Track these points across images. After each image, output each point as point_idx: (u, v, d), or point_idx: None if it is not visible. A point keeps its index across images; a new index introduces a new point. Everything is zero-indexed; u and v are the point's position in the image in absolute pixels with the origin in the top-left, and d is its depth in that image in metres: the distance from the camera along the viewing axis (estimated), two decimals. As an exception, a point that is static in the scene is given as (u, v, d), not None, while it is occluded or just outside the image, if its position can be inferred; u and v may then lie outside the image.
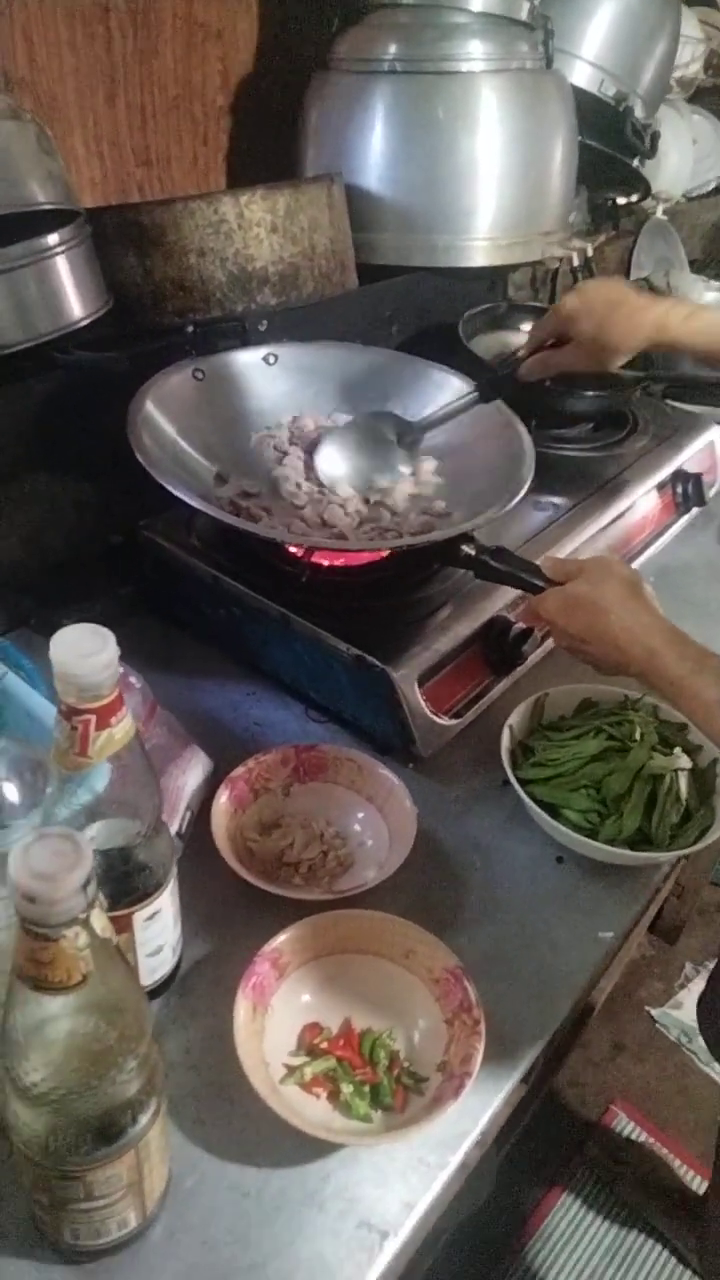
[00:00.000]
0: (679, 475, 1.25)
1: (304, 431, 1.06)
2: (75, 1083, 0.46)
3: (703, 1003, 1.24)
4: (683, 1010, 1.77)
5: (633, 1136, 1.57)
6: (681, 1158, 1.54)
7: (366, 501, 1.00)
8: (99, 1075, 0.46)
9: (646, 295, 0.98)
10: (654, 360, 1.45)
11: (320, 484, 1.01)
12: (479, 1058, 0.63)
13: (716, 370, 1.17)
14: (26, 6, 1.05)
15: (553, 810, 0.82)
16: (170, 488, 0.82)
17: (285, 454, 1.05)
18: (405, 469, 1.03)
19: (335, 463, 1.02)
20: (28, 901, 0.40)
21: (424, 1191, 0.62)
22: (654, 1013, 1.77)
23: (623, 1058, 1.70)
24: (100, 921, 0.44)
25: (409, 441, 1.03)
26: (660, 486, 1.23)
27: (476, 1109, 0.65)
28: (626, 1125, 1.59)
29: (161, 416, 0.94)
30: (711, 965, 1.41)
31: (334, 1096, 0.64)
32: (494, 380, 1.05)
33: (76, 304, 0.94)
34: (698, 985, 1.79)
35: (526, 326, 1.43)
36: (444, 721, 0.89)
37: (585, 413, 1.28)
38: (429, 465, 1.05)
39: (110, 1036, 0.46)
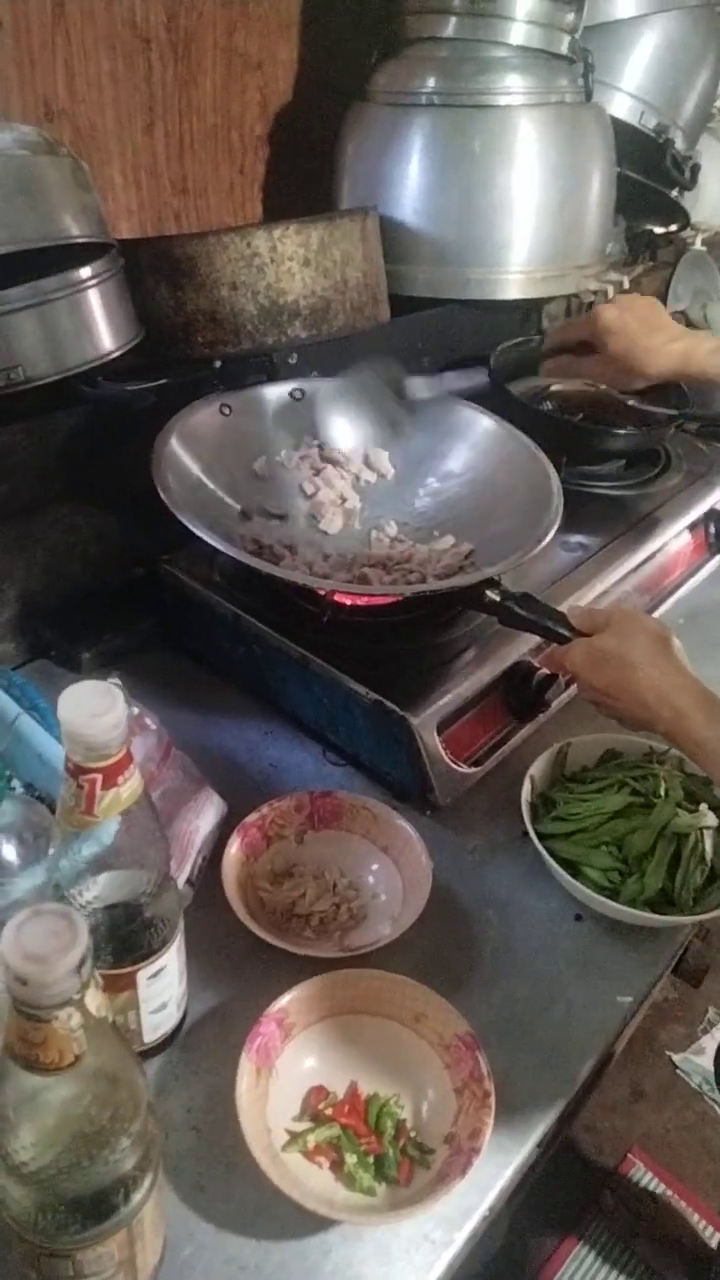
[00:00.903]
0: (712, 515, 1.23)
1: (299, 457, 1.07)
2: (66, 1162, 0.44)
3: (722, 1054, 1.21)
4: (705, 1056, 1.74)
5: (650, 1187, 1.53)
6: (700, 1212, 1.50)
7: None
8: (91, 1154, 0.45)
9: (680, 325, 0.97)
10: (689, 398, 1.43)
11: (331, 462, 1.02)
12: (488, 1133, 0.61)
13: None
14: (69, 39, 1.05)
15: (573, 867, 0.80)
16: (192, 527, 0.81)
17: (320, 470, 1.05)
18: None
19: (344, 434, 1.03)
20: (19, 983, 0.39)
21: (428, 1271, 0.59)
22: (675, 1058, 1.73)
23: (641, 1104, 1.66)
24: (95, 1000, 0.42)
25: (403, 419, 1.05)
26: (693, 526, 1.20)
27: (485, 1182, 0.63)
28: (644, 1175, 1.55)
29: (185, 453, 0.93)
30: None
31: (337, 1166, 0.62)
32: (505, 365, 1.06)
33: (107, 336, 0.94)
34: (721, 1031, 1.75)
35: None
36: (463, 769, 0.87)
37: (617, 450, 1.26)
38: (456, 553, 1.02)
39: (103, 1116, 0.45)
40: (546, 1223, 1.47)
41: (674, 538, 1.16)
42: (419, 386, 1.06)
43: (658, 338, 0.93)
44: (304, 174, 1.36)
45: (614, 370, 0.95)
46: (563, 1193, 1.50)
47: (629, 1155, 1.58)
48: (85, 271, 0.90)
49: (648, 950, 0.79)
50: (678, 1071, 1.71)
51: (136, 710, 0.80)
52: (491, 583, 0.83)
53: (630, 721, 0.75)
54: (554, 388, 1.33)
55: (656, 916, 0.77)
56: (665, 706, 0.70)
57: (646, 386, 0.96)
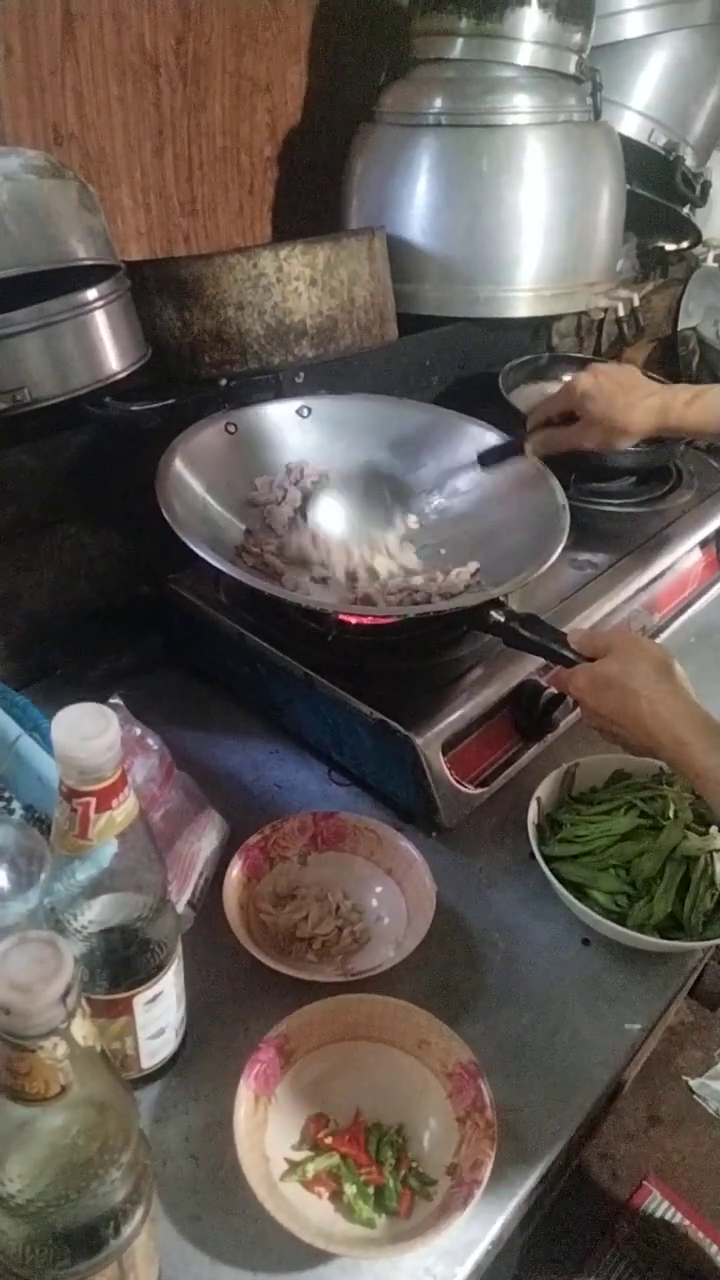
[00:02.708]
0: (724, 532, 1.22)
1: (302, 475, 1.06)
2: (54, 1194, 0.44)
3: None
4: (722, 1081, 1.70)
5: (667, 1216, 1.50)
6: (717, 1242, 1.47)
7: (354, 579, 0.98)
8: (79, 1187, 0.44)
9: (656, 383, 1.01)
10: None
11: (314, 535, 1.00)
12: (489, 1165, 0.60)
13: None
14: (78, 65, 1.06)
15: (580, 890, 0.79)
16: (195, 548, 0.81)
17: (285, 492, 1.05)
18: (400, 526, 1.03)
19: (332, 519, 1.01)
20: (3, 1012, 0.39)
21: (429, 1306, 0.58)
22: (692, 1083, 1.70)
23: (657, 1130, 1.63)
24: (83, 1029, 0.42)
25: (404, 501, 1.03)
26: (704, 544, 1.19)
27: (488, 1216, 0.62)
28: (660, 1204, 1.52)
29: (190, 474, 0.93)
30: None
31: (337, 1196, 0.61)
32: (496, 449, 1.05)
33: (114, 357, 0.94)
34: (739, 1056, 1.72)
35: (569, 377, 1.40)
36: (469, 790, 0.86)
37: (627, 467, 1.25)
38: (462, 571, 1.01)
39: (92, 1148, 0.44)
40: (560, 1252, 1.44)
41: (684, 555, 1.15)
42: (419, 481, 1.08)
43: (635, 395, 0.96)
44: (313, 194, 1.36)
45: (598, 433, 0.97)
46: (577, 1221, 1.47)
47: (645, 1183, 1.55)
48: (92, 293, 0.90)
49: (657, 976, 0.77)
50: (694, 1097, 1.68)
51: (139, 731, 0.79)
52: (496, 603, 0.83)
53: (634, 748, 0.74)
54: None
55: (665, 942, 0.75)
56: (667, 734, 0.69)
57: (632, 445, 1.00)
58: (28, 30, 1.00)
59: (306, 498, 1.03)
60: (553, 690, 0.90)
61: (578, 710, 0.94)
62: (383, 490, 1.06)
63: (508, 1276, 1.23)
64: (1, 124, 1.02)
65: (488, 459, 1.05)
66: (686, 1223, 1.49)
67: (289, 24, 1.27)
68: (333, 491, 1.04)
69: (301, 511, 1.02)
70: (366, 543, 1.00)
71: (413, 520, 1.06)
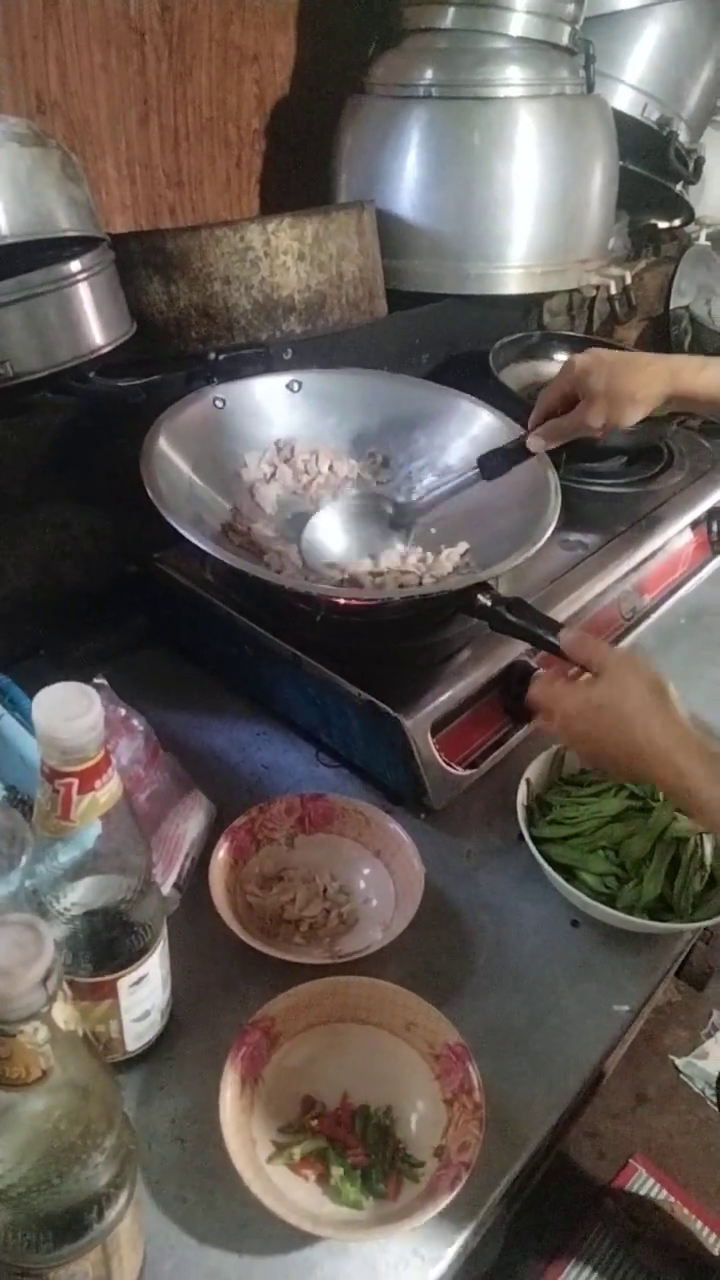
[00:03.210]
0: (715, 513, 1.21)
1: (293, 453, 1.04)
2: (36, 1179, 0.43)
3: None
4: (709, 1060, 1.71)
5: (652, 1194, 1.51)
6: (703, 1219, 1.48)
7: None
8: (61, 1172, 0.44)
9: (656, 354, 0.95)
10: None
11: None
12: (477, 1148, 0.59)
13: None
14: (60, 32, 1.04)
15: (569, 872, 0.78)
16: (180, 528, 0.79)
17: (274, 469, 1.03)
18: (400, 548, 0.99)
19: (331, 535, 0.98)
20: None
21: (416, 1288, 0.58)
22: (678, 1062, 1.71)
23: (644, 1109, 1.64)
24: (64, 1013, 0.41)
25: (405, 523, 0.99)
26: (695, 524, 1.19)
27: (475, 1197, 0.61)
28: (646, 1182, 1.53)
29: (176, 452, 0.91)
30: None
31: (324, 1179, 0.61)
32: (499, 453, 0.96)
33: (98, 331, 0.92)
34: (725, 1035, 1.73)
35: (560, 356, 1.39)
36: (458, 772, 0.85)
37: (618, 447, 1.24)
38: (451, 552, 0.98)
39: (74, 1132, 0.43)
40: (547, 1229, 1.45)
41: (676, 536, 1.15)
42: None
43: (638, 362, 0.90)
44: (302, 167, 1.34)
45: (603, 407, 0.90)
46: (563, 1199, 1.48)
47: (631, 1161, 1.56)
48: (75, 265, 0.88)
49: (645, 957, 0.77)
50: (681, 1076, 1.69)
51: (123, 712, 0.78)
52: (484, 586, 0.82)
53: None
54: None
55: (654, 923, 0.75)
56: (664, 764, 0.66)
57: (643, 418, 0.92)
58: (8, -6, 0.98)
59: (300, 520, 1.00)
60: (542, 671, 0.89)
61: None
62: (383, 513, 1.01)
63: (494, 1254, 1.24)
64: (-18, 91, 1.00)
65: (491, 468, 0.96)
66: (672, 1200, 1.50)
67: (277, -8, 1.24)
68: (329, 516, 1.00)
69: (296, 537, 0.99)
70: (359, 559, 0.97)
71: (411, 546, 1.00)
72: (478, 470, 0.96)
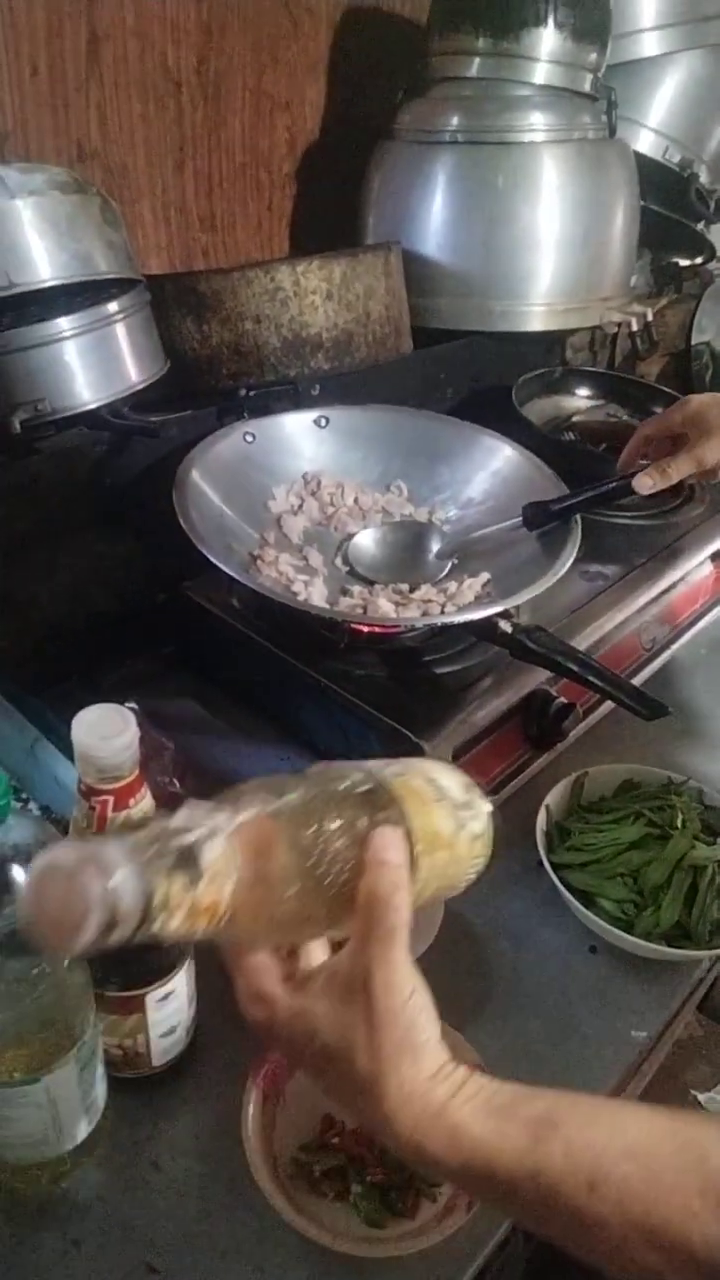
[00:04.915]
0: (735, 545, 1.22)
1: (319, 486, 1.07)
2: None
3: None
4: (732, 1096, 1.70)
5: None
6: (726, 1258, 1.46)
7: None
8: None
9: None
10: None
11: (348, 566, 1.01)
12: (495, 1167, 0.60)
13: None
14: (102, 84, 1.09)
15: (587, 898, 0.79)
16: (210, 557, 0.82)
17: (301, 501, 1.06)
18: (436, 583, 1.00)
19: (370, 551, 1.01)
20: None
21: (433, 1307, 0.59)
22: (701, 1098, 1.69)
23: (666, 1145, 1.62)
24: None
25: (445, 553, 1.02)
26: (715, 556, 1.20)
27: (493, 1216, 0.62)
28: (668, 1218, 1.51)
29: (207, 484, 0.95)
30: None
31: (344, 1196, 0.62)
32: (541, 506, 0.96)
33: (133, 368, 0.96)
34: (749, 1071, 1.71)
35: (582, 391, 1.42)
36: (479, 798, 0.87)
37: (639, 480, 1.26)
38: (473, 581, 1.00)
39: None
40: (570, 1269, 1.43)
41: (696, 568, 1.16)
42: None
43: None
44: (331, 210, 1.38)
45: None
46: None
47: (653, 1197, 1.54)
48: (113, 306, 0.92)
49: (663, 984, 0.78)
50: (704, 1111, 1.68)
51: (153, 736, 0.80)
52: (505, 615, 0.84)
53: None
54: (576, 418, 1.33)
55: (672, 950, 0.76)
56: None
57: None
58: (53, 50, 1.03)
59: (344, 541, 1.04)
60: (563, 700, 0.91)
61: (588, 720, 0.95)
62: (429, 544, 1.03)
63: (514, 1285, 1.23)
64: (26, 141, 1.05)
65: (532, 520, 0.93)
66: (694, 1238, 1.48)
67: (309, 43, 1.29)
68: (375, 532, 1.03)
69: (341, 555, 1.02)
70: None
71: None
72: (520, 520, 0.97)
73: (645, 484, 0.90)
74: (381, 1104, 0.44)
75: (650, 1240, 0.40)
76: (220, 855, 0.41)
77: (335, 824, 0.44)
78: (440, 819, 0.49)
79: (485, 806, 0.51)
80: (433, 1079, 0.44)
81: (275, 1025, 0.47)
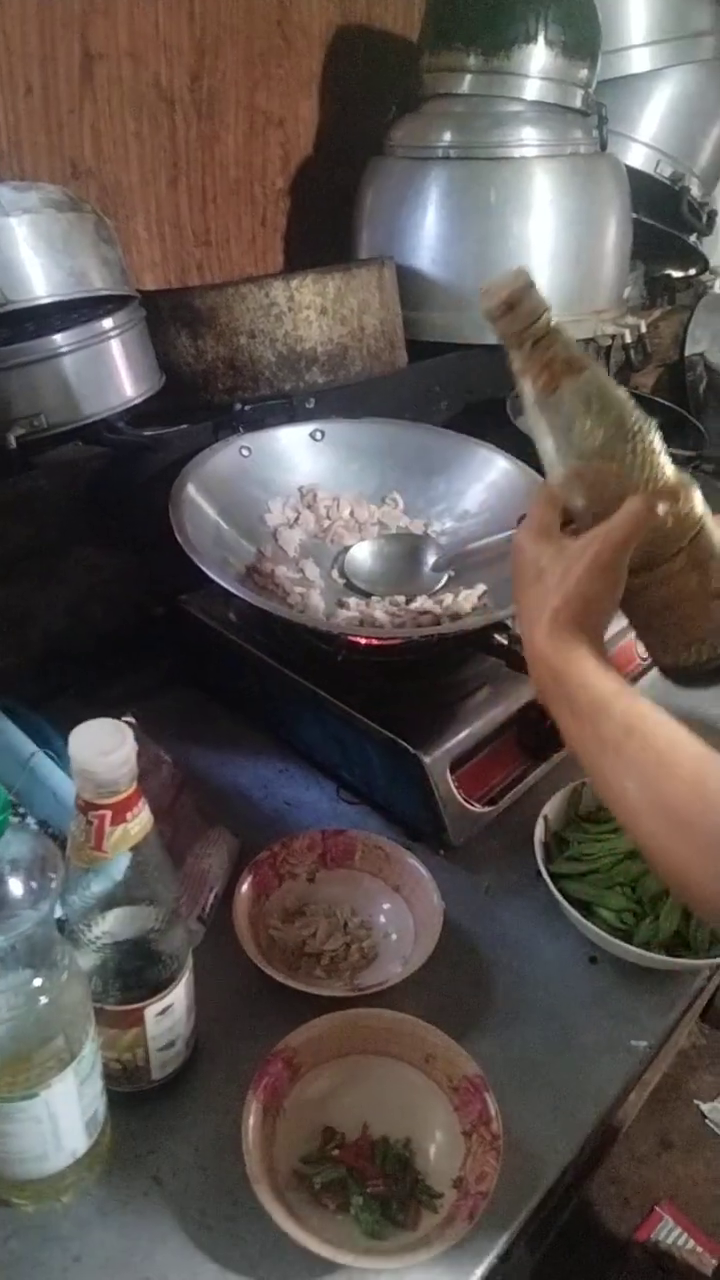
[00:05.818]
0: (730, 555, 1.22)
1: (315, 499, 1.07)
2: None
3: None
4: (735, 1106, 1.69)
5: (679, 1243, 1.49)
6: (730, 1270, 1.45)
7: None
8: None
9: None
10: (705, 438, 1.44)
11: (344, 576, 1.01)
12: (494, 1178, 0.60)
13: None
14: (96, 102, 1.10)
15: (586, 908, 0.79)
16: (207, 570, 0.83)
17: (298, 514, 1.07)
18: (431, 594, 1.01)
19: (367, 563, 1.02)
20: None
21: (435, 1319, 0.59)
22: (704, 1107, 1.69)
23: (669, 1155, 1.62)
24: None
25: (441, 565, 1.02)
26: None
27: (494, 1228, 0.62)
28: (672, 1229, 1.50)
29: (203, 498, 0.95)
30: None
31: (344, 1208, 0.62)
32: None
33: (128, 384, 0.97)
34: (751, 1080, 1.71)
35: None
36: (477, 809, 0.87)
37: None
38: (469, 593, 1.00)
39: None
40: (573, 1278, 1.43)
41: (690, 577, 1.16)
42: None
43: None
44: (324, 225, 1.39)
45: None
46: (588, 1247, 1.46)
47: (656, 1208, 1.53)
48: (108, 323, 0.93)
49: (663, 994, 0.78)
50: (707, 1121, 1.67)
51: (150, 749, 0.81)
52: (501, 626, 0.84)
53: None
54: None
55: (671, 959, 0.76)
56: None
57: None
58: (47, 70, 1.04)
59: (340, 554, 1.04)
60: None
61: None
62: (425, 556, 1.03)
63: (517, 1300, 1.22)
64: (21, 159, 1.05)
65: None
66: (699, 1249, 1.48)
67: (301, 60, 1.30)
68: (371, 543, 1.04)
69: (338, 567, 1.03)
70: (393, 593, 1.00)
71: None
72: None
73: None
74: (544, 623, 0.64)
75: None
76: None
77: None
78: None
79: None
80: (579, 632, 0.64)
81: (538, 553, 0.66)
